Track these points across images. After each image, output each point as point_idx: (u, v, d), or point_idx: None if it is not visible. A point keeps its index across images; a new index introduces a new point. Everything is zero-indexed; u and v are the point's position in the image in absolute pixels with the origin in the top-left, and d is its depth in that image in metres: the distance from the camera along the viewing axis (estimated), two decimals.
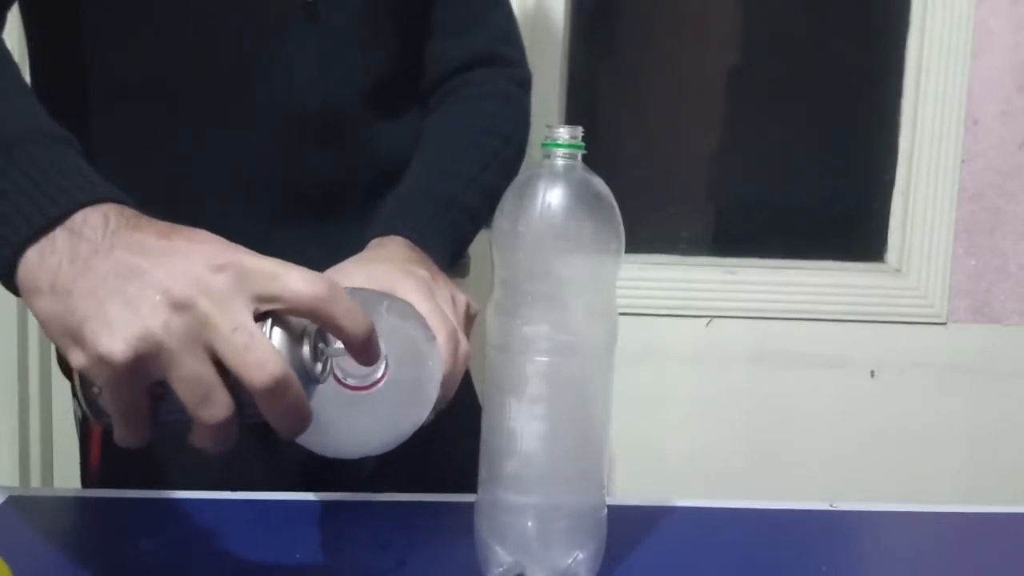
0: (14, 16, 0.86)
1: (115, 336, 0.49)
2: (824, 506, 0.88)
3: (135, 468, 0.91)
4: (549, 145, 0.68)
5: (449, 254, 0.83)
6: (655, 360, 1.56)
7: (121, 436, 0.53)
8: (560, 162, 0.68)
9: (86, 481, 0.96)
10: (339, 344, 0.54)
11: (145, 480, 0.87)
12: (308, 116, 0.83)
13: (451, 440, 0.78)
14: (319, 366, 0.54)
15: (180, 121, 0.84)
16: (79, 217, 0.54)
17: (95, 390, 0.54)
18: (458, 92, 0.95)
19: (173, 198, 0.85)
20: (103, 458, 0.94)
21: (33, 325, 1.50)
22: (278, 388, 0.49)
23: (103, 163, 0.86)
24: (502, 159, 0.90)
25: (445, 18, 0.95)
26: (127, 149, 0.85)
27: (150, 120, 0.85)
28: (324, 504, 0.79)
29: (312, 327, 0.54)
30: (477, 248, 0.90)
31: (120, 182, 0.85)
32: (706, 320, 1.58)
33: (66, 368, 0.95)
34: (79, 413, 0.96)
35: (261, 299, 0.51)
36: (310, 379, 0.54)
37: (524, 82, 0.99)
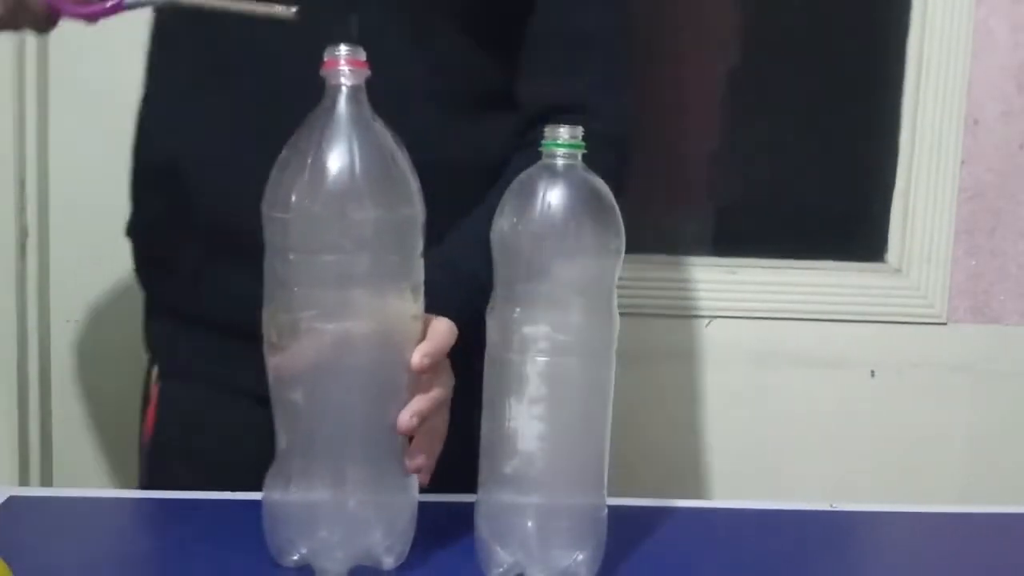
0: None
1: None
2: (824, 506, 0.88)
3: (185, 439, 0.95)
4: (549, 145, 0.69)
5: (457, 322, 0.79)
6: (655, 360, 1.56)
7: None
8: (560, 162, 0.68)
9: (140, 450, 1.00)
10: None
11: (191, 451, 0.92)
12: None
13: (450, 440, 0.77)
14: None
15: (235, 107, 0.86)
16: None
17: None
18: (530, 150, 0.94)
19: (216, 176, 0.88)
20: (155, 429, 0.97)
21: (32, 325, 1.49)
22: None
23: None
24: None
25: (544, 56, 0.93)
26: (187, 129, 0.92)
27: (212, 100, 0.89)
28: None
29: None
30: None
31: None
32: (706, 320, 1.58)
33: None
34: (145, 390, 1.01)
35: None
36: None
37: (607, 140, 0.92)
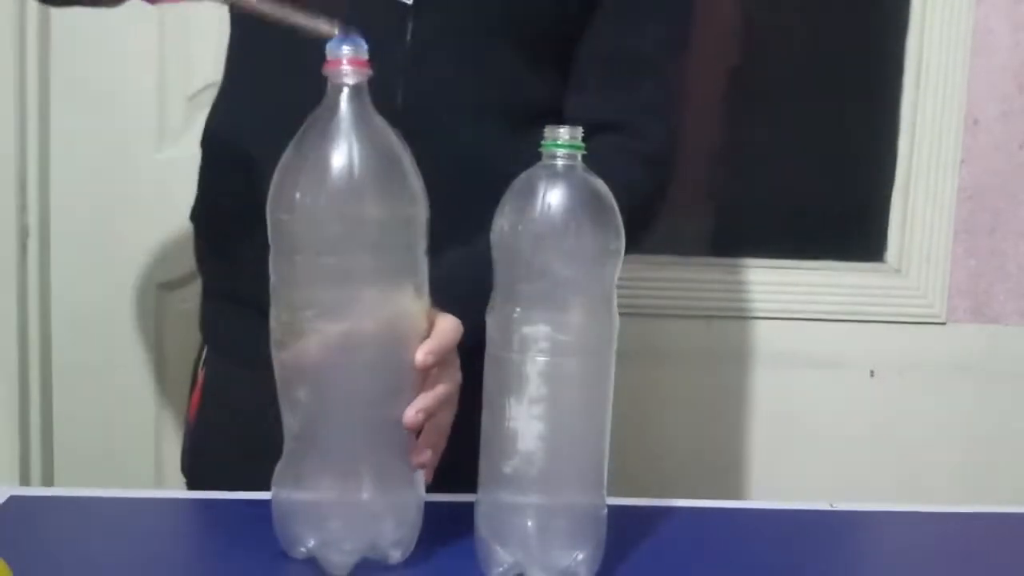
0: None
1: None
2: (824, 506, 0.88)
3: (228, 419, 0.97)
4: (549, 145, 0.69)
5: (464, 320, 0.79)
6: (655, 360, 1.56)
7: None
8: (560, 162, 0.68)
9: (185, 429, 1.03)
10: None
11: (233, 430, 0.94)
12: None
13: (451, 439, 0.78)
14: None
15: (300, 107, 0.86)
16: None
17: None
18: None
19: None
20: (200, 409, 1.00)
21: (33, 324, 1.50)
22: None
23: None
24: None
25: (594, 73, 0.93)
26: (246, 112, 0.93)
27: (280, 98, 0.88)
28: None
29: None
30: None
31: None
32: (706, 320, 1.58)
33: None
34: (194, 372, 1.03)
35: None
36: None
37: (647, 159, 0.93)
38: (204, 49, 1.45)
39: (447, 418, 0.75)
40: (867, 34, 1.63)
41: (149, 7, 0.81)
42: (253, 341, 0.92)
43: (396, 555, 0.72)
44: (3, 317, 1.48)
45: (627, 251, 0.92)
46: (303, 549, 0.71)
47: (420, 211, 0.69)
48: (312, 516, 0.70)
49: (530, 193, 0.68)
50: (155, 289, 1.51)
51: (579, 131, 0.69)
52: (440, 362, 0.72)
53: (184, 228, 1.25)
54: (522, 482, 0.68)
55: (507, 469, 0.69)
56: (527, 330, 0.67)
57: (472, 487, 0.72)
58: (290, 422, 0.71)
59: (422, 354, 0.70)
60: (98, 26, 1.46)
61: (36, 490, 1.25)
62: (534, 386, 0.67)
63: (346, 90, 0.67)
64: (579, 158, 0.69)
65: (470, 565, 0.71)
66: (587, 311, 0.68)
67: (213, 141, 0.99)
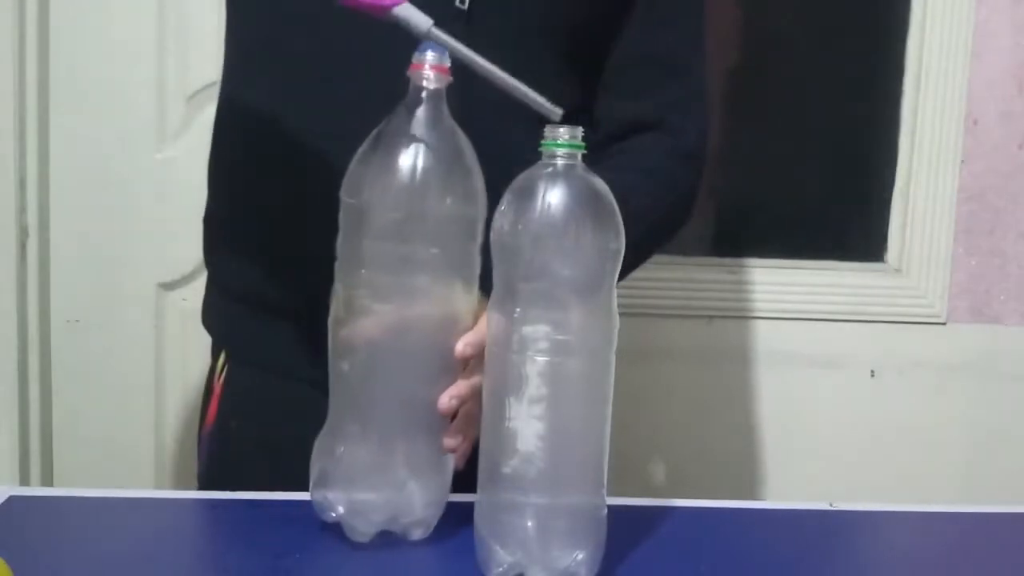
0: None
1: None
2: (824, 506, 0.88)
3: (249, 425, 0.97)
4: (549, 145, 0.69)
5: None
6: (655, 360, 1.56)
7: None
8: (560, 162, 0.68)
9: (199, 439, 1.03)
10: None
11: (256, 436, 0.96)
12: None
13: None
14: None
15: (330, 113, 0.88)
16: None
17: None
18: (608, 162, 0.92)
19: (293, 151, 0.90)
20: (218, 415, 0.99)
21: (33, 324, 1.50)
22: None
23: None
24: None
25: (623, 79, 0.94)
26: (262, 109, 0.93)
27: (308, 104, 0.90)
28: None
29: None
30: None
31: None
32: (707, 320, 1.58)
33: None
34: (209, 379, 1.03)
35: None
36: None
37: (685, 156, 0.96)
38: (203, 49, 1.45)
39: (479, 408, 0.77)
40: (867, 35, 1.63)
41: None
42: (277, 347, 0.93)
43: (418, 533, 0.75)
44: (3, 317, 1.48)
45: (659, 248, 0.94)
46: (333, 515, 0.74)
47: (478, 212, 0.74)
48: (345, 485, 0.74)
49: (530, 193, 0.68)
50: (155, 289, 1.51)
51: (579, 130, 0.69)
52: (479, 354, 0.74)
53: (184, 228, 1.25)
54: (522, 482, 0.68)
55: (507, 469, 0.69)
56: (527, 330, 0.67)
57: (472, 487, 0.72)
58: (334, 393, 0.75)
59: (462, 344, 0.74)
60: (97, 26, 1.46)
61: (36, 490, 1.25)
62: (534, 386, 0.67)
63: (425, 92, 0.73)
64: (579, 158, 0.69)
65: (470, 565, 0.71)
66: (587, 311, 0.68)
67: (227, 145, 0.98)
